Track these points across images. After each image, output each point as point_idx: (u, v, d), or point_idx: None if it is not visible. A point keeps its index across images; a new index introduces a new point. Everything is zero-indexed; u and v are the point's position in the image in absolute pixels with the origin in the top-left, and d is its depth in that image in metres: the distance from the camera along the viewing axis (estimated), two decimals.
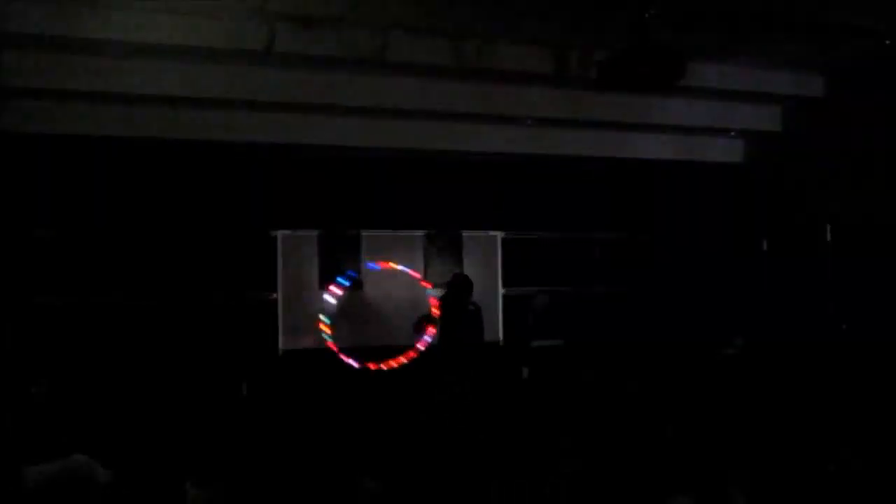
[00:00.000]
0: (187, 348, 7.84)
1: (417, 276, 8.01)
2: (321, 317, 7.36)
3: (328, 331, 7.33)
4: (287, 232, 8.38)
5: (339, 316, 8.57)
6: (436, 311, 7.26)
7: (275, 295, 8.29)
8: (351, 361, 7.33)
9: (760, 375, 8.19)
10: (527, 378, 8.80)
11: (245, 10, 6.04)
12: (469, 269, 8.86)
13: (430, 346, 7.36)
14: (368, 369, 7.35)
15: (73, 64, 6.51)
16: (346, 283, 7.61)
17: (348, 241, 8.55)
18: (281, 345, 8.26)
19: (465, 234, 8.98)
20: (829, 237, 8.11)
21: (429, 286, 7.88)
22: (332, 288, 7.47)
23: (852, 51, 7.21)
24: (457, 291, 7.26)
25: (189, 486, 4.68)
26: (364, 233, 8.59)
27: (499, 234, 9.11)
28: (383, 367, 7.36)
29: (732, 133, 9.22)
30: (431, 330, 7.33)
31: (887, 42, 6.87)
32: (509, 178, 9.20)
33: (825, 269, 8.10)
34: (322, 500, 4.87)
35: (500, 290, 9.02)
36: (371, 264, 8.05)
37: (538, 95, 7.91)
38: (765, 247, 9.00)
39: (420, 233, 8.82)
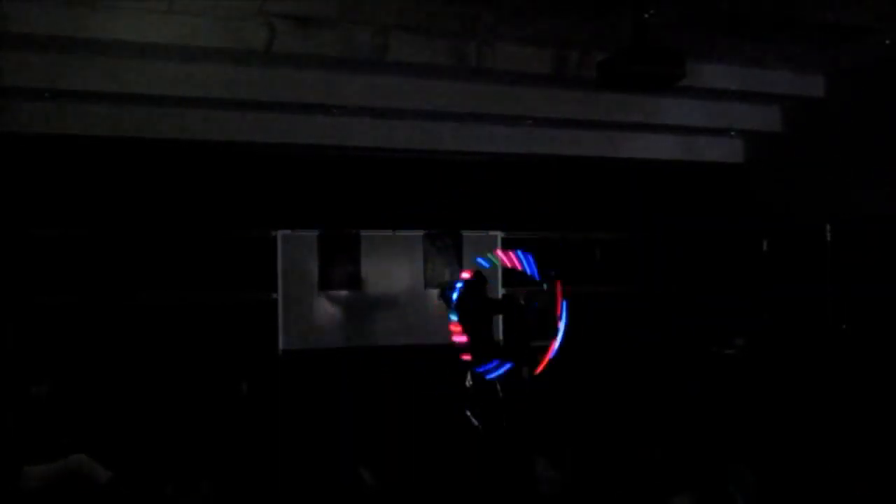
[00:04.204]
0: (187, 348, 7.85)
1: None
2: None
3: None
4: (287, 232, 8.39)
5: (339, 316, 8.60)
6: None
7: (275, 295, 8.29)
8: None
9: (760, 375, 8.19)
10: (527, 378, 8.80)
11: (245, 10, 6.05)
12: (469, 269, 8.85)
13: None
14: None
15: (73, 64, 6.52)
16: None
17: (348, 241, 8.55)
18: (281, 345, 8.26)
19: (465, 234, 8.98)
20: (829, 237, 8.11)
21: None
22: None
23: (852, 51, 7.21)
24: (468, 290, 7.20)
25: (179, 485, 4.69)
26: (364, 233, 8.59)
27: (499, 234, 9.11)
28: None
29: (732, 133, 9.23)
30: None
31: (887, 42, 6.87)
32: (509, 178, 9.20)
33: (825, 269, 8.10)
34: (321, 499, 4.88)
35: (500, 290, 9.01)
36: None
37: (538, 95, 7.91)
38: (765, 247, 9.00)
39: (420, 233, 8.82)
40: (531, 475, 4.77)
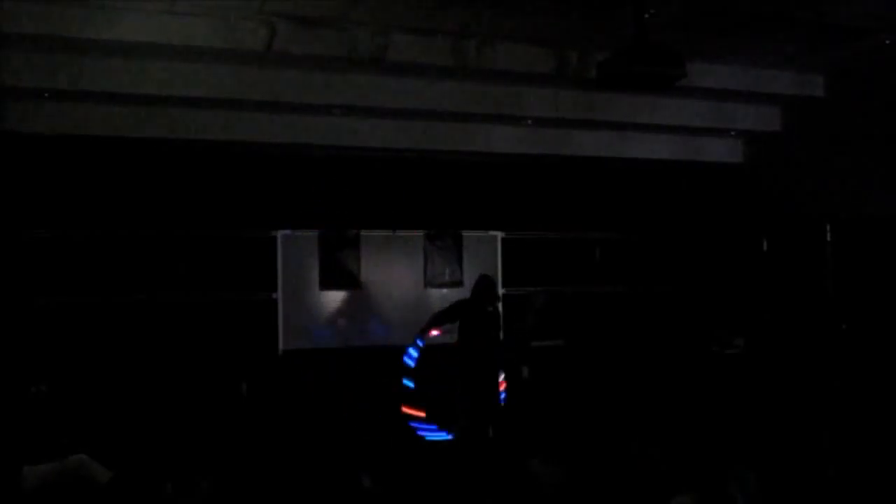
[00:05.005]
0: (187, 348, 7.84)
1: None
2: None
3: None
4: (287, 232, 8.38)
5: (339, 316, 8.60)
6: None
7: (275, 295, 8.29)
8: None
9: (760, 375, 8.19)
10: (527, 378, 8.81)
11: (245, 10, 6.04)
12: (469, 269, 8.86)
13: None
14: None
15: (73, 64, 6.51)
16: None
17: (348, 241, 8.55)
18: (281, 345, 8.26)
19: (465, 234, 8.98)
20: (829, 237, 8.11)
21: None
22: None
23: (852, 51, 7.21)
24: (477, 295, 7.09)
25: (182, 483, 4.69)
26: (364, 233, 8.58)
27: (499, 234, 9.11)
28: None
29: (732, 133, 9.22)
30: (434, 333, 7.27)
31: (887, 42, 6.87)
32: (509, 178, 9.20)
33: (825, 269, 8.10)
34: (320, 498, 4.88)
35: (500, 290, 9.01)
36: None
37: (538, 95, 7.90)
38: (765, 247, 9.00)
39: (420, 233, 8.82)
40: (530, 476, 4.77)
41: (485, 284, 7.13)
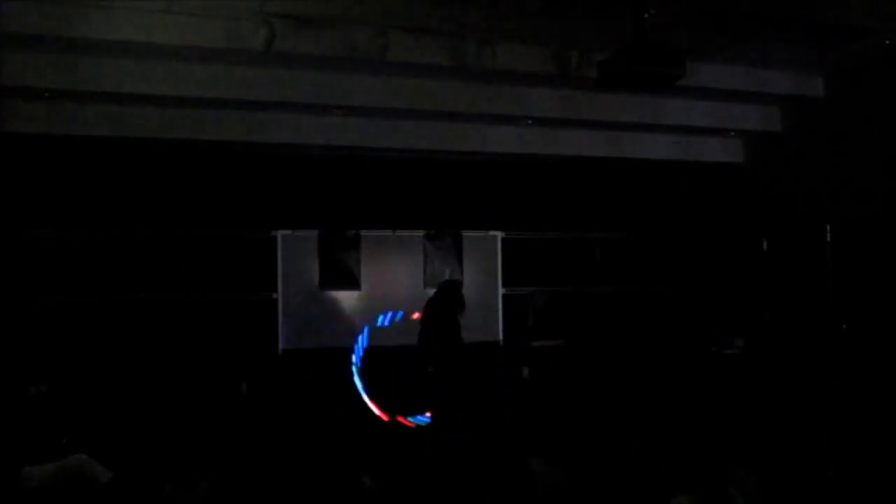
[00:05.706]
0: (187, 348, 7.84)
1: None
2: None
3: None
4: (287, 232, 8.38)
5: (339, 316, 8.60)
6: None
7: (275, 295, 8.29)
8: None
9: (760, 375, 8.20)
10: (527, 378, 8.81)
11: (245, 10, 6.04)
12: (469, 269, 8.87)
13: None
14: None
15: (73, 64, 6.51)
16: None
17: (348, 241, 8.55)
18: (281, 345, 8.26)
19: (465, 234, 8.98)
20: (829, 237, 8.11)
21: None
22: None
23: (852, 51, 7.21)
24: (443, 300, 6.73)
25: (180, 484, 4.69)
26: (364, 233, 8.58)
27: (499, 234, 9.11)
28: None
29: (732, 133, 9.23)
30: None
31: (887, 42, 6.87)
32: (509, 178, 9.20)
33: (825, 270, 8.10)
34: (320, 498, 4.88)
35: (500, 290, 9.02)
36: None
37: (538, 95, 7.91)
38: (765, 247, 9.00)
39: (420, 233, 8.82)
40: (529, 476, 4.77)
41: (445, 289, 6.85)
